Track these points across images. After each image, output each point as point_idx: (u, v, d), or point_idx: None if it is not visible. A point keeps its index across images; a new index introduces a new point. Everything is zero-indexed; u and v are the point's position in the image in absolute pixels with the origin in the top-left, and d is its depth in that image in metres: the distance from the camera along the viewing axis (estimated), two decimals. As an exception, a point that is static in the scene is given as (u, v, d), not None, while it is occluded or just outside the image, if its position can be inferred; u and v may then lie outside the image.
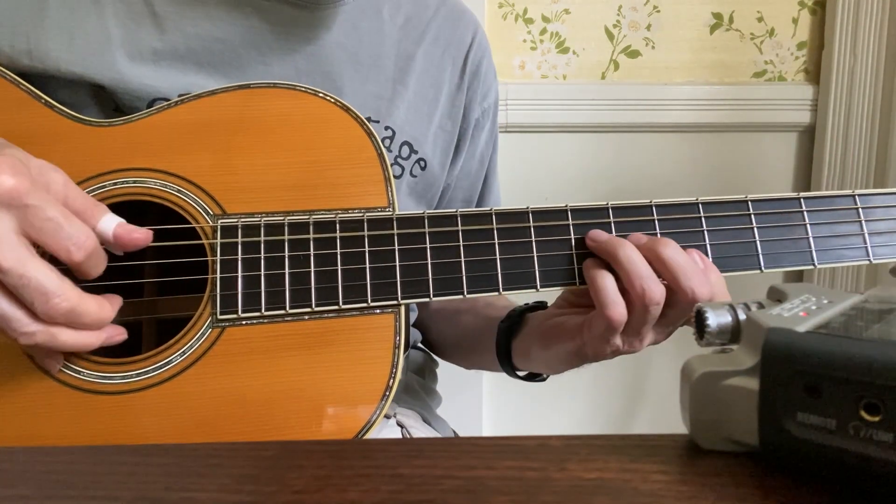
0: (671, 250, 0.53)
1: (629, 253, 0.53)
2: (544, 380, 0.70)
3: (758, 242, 0.57)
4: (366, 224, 0.56)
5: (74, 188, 0.49)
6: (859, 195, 0.59)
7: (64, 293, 0.46)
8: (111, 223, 0.50)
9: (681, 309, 0.54)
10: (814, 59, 1.31)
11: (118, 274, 0.53)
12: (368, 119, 0.59)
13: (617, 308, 0.53)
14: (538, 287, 0.56)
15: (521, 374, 0.70)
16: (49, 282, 0.45)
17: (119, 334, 0.52)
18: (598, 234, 0.56)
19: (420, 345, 0.86)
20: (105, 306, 0.49)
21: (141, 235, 0.52)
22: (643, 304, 0.53)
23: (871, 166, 1.29)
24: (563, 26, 1.30)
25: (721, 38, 1.31)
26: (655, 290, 0.53)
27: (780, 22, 1.31)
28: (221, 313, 0.54)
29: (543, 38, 1.30)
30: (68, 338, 0.48)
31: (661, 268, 0.53)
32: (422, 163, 0.73)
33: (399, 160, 0.71)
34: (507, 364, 0.68)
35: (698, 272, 0.53)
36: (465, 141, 0.78)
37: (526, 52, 1.31)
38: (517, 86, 1.28)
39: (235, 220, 0.56)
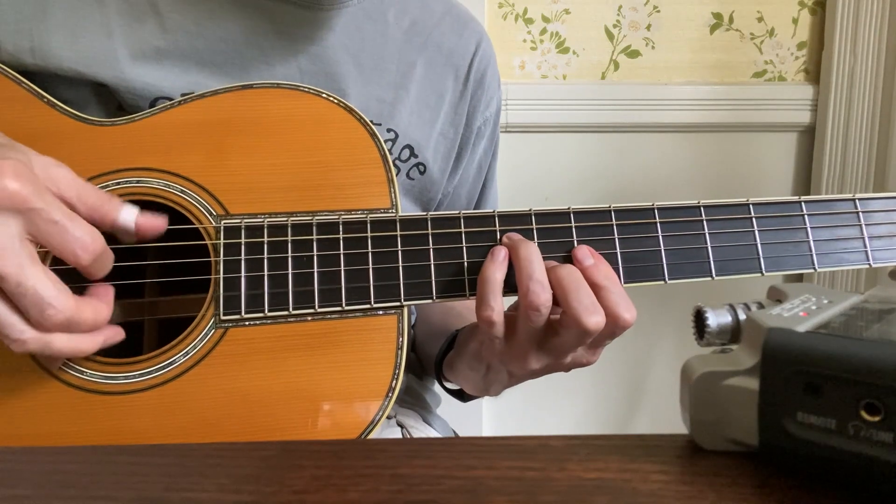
0: (566, 270, 0.53)
1: (529, 253, 0.53)
2: (464, 399, 0.71)
3: (759, 245, 0.58)
4: (369, 225, 0.56)
5: (85, 183, 0.49)
6: (860, 199, 0.59)
7: (60, 303, 0.45)
8: (132, 214, 0.51)
9: (570, 335, 0.53)
10: (814, 59, 1.31)
11: (121, 274, 0.53)
12: (371, 122, 0.60)
13: (486, 309, 0.53)
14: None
15: (449, 386, 0.71)
16: (46, 291, 0.44)
17: (116, 335, 0.51)
18: (512, 235, 0.56)
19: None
20: (101, 310, 0.49)
21: (160, 223, 0.52)
22: (525, 305, 0.52)
23: (871, 166, 1.29)
24: (563, 26, 1.30)
25: (721, 38, 1.31)
26: (540, 294, 0.52)
27: (780, 22, 1.31)
28: (225, 314, 0.54)
29: (543, 38, 1.30)
30: (63, 345, 0.47)
31: (555, 286, 0.53)
32: (421, 167, 0.73)
33: (397, 162, 0.71)
34: (439, 372, 0.69)
35: (589, 298, 0.52)
36: (467, 149, 0.78)
37: (526, 52, 1.31)
38: (517, 86, 1.29)
39: (239, 220, 0.56)
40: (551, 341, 0.55)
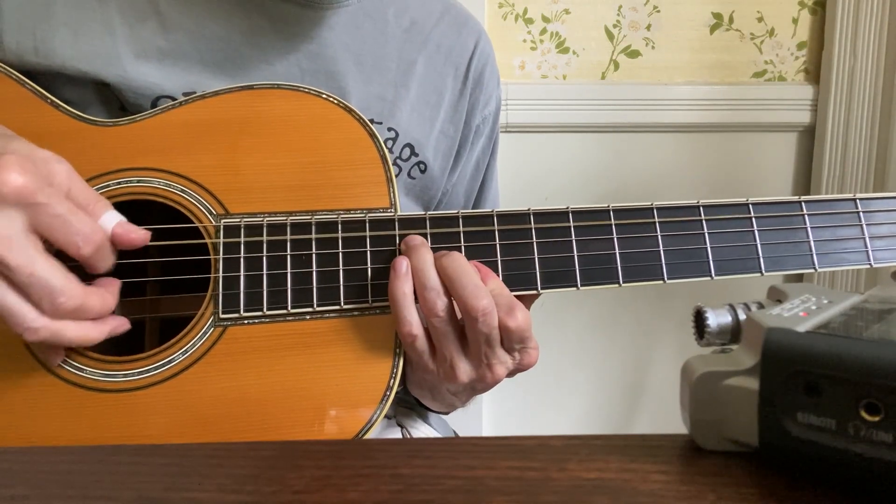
0: (449, 259, 0.52)
1: (420, 261, 0.53)
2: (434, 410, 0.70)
3: (759, 245, 0.57)
4: (368, 225, 0.56)
5: (78, 180, 0.50)
6: (860, 199, 0.59)
7: (69, 291, 0.47)
8: (111, 221, 0.51)
9: (476, 332, 0.52)
10: (814, 59, 1.31)
11: (122, 272, 0.53)
12: (371, 121, 0.60)
13: (405, 325, 0.52)
14: (539, 288, 0.56)
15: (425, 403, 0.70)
16: (56, 280, 0.46)
17: (122, 325, 0.52)
18: (409, 240, 0.55)
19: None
20: (107, 299, 0.50)
21: (138, 236, 0.52)
22: (425, 313, 0.52)
23: (871, 166, 1.29)
24: (563, 26, 1.30)
25: (721, 38, 1.31)
26: (436, 302, 0.52)
27: (780, 22, 1.31)
28: (223, 312, 0.54)
29: (543, 38, 1.30)
30: (73, 333, 0.48)
31: (443, 278, 0.52)
32: (422, 166, 0.73)
33: (398, 161, 0.71)
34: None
35: (473, 282, 0.51)
36: (466, 147, 0.78)
37: (526, 52, 1.31)
38: (517, 86, 1.28)
39: (238, 219, 0.56)
40: (469, 347, 0.54)
